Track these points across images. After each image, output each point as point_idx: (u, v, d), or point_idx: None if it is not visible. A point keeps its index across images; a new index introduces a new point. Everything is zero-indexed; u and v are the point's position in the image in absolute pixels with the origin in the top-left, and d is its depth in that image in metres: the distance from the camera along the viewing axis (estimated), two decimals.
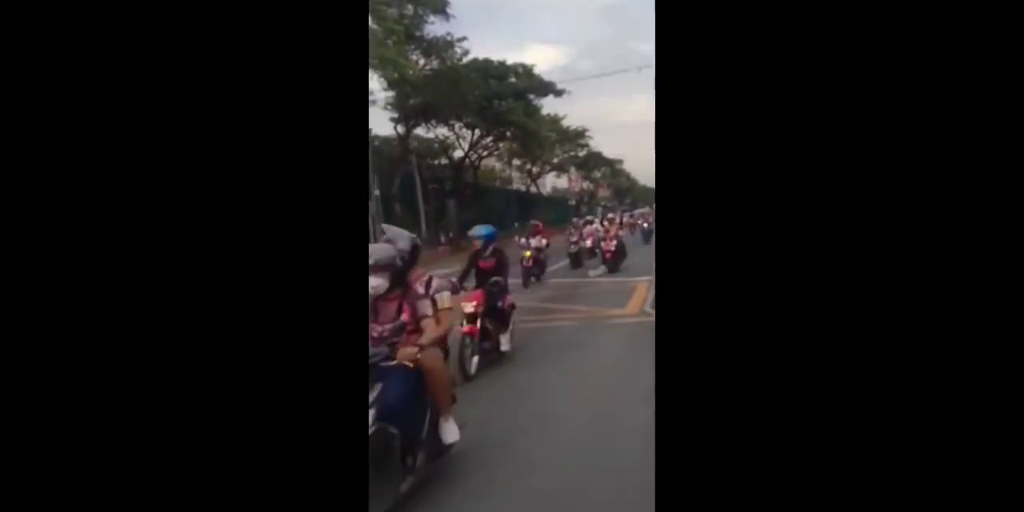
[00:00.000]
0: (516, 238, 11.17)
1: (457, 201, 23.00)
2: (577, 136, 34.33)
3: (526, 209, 28.00)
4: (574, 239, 12.69)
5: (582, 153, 37.58)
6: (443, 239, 19.85)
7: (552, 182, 43.66)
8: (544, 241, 10.74)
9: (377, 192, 16.69)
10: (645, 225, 20.03)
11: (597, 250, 12.35)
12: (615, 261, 11.35)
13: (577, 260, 12.32)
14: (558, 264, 12.06)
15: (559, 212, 34.23)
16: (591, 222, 15.51)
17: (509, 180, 34.33)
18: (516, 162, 33.29)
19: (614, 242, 11.46)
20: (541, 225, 11.55)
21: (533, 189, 36.60)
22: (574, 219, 14.17)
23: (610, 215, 14.93)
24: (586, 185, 46.09)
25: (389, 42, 15.87)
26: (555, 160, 36.33)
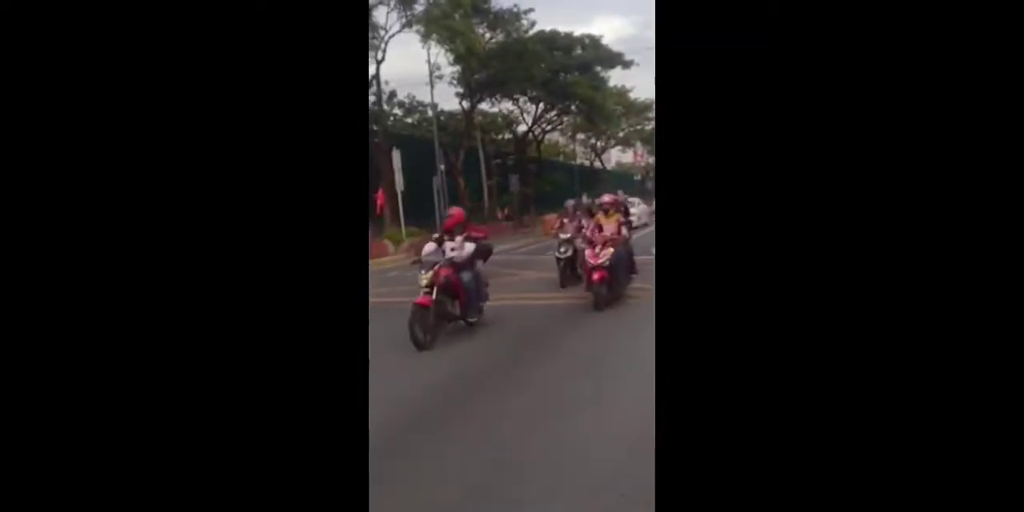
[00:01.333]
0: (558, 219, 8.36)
1: (520, 176, 22.96)
2: (644, 109, 33.33)
3: (590, 184, 27.64)
4: (565, 235, 7.64)
5: (648, 127, 36.56)
6: (500, 215, 19.88)
7: (616, 157, 42.83)
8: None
9: (442, 167, 16.91)
10: None
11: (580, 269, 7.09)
12: (605, 287, 5.89)
13: (567, 272, 7.49)
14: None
15: (624, 187, 33.58)
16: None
17: (573, 155, 33.92)
18: (580, 136, 32.79)
19: (607, 253, 5.94)
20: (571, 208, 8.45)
21: (597, 164, 36.04)
22: (568, 202, 9.06)
23: (602, 199, 7.00)
24: (652, 160, 44.97)
25: (456, 15, 15.82)
26: (620, 134, 35.55)
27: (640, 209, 16.94)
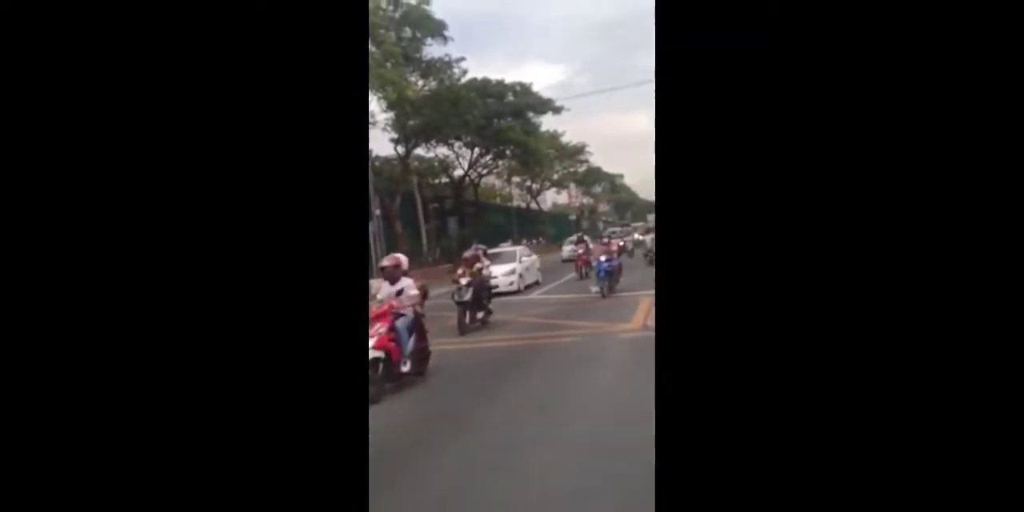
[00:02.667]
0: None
1: (458, 219, 23.08)
2: (576, 152, 34.61)
3: (526, 226, 28.08)
4: (465, 280, 7.88)
5: (582, 169, 37.85)
6: (431, 259, 19.36)
7: (552, 198, 43.85)
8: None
9: (378, 212, 16.78)
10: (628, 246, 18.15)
11: None
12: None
13: (464, 319, 7.67)
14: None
15: (560, 228, 34.31)
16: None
17: (509, 197, 34.51)
18: (516, 179, 33.50)
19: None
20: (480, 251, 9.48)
21: (534, 206, 36.75)
22: (467, 252, 9.08)
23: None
24: (586, 200, 46.29)
25: (388, 64, 16.09)
26: (555, 176, 36.58)
27: (526, 263, 13.32)
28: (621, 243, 12.96)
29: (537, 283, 13.29)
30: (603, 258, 10.10)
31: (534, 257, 14.49)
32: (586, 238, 15.82)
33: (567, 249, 19.21)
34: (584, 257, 13.01)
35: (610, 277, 10.01)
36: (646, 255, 15.75)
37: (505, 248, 14.44)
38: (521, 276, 12.42)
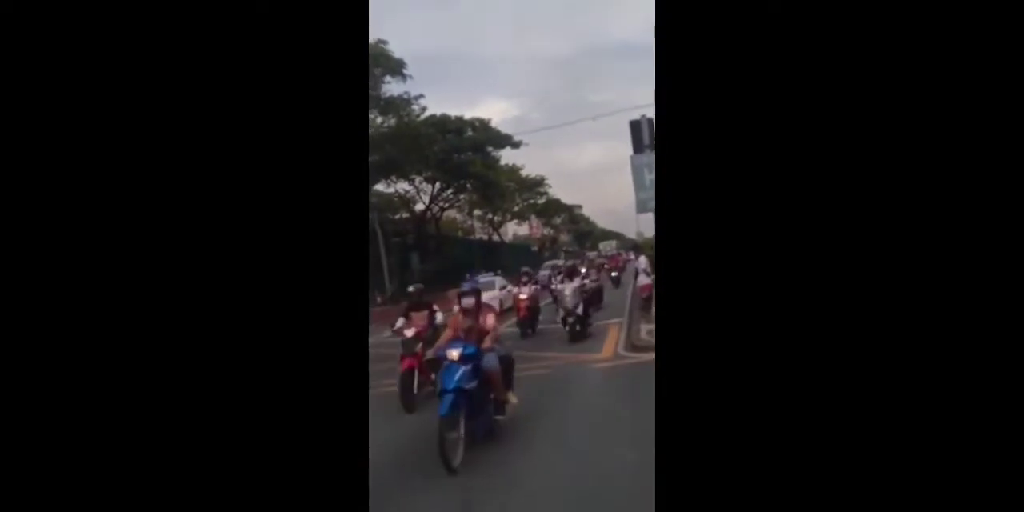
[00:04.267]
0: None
1: (420, 253, 22.97)
2: (536, 184, 35.13)
3: (489, 258, 28.13)
4: (410, 331, 5.29)
5: (541, 201, 38.36)
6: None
7: (514, 230, 44.14)
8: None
9: None
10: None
11: None
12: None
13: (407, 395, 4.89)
14: None
15: (522, 259, 34.46)
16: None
17: (471, 230, 34.61)
18: (477, 212, 33.69)
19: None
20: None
21: (496, 238, 36.91)
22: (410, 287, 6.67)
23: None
24: (547, 231, 46.77)
25: None
26: (515, 209, 36.97)
27: (503, 293, 12.60)
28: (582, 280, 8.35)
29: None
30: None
31: (508, 287, 14.63)
32: (530, 273, 10.19)
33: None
34: (526, 303, 8.83)
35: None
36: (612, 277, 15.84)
37: (485, 278, 14.71)
38: (501, 302, 12.77)
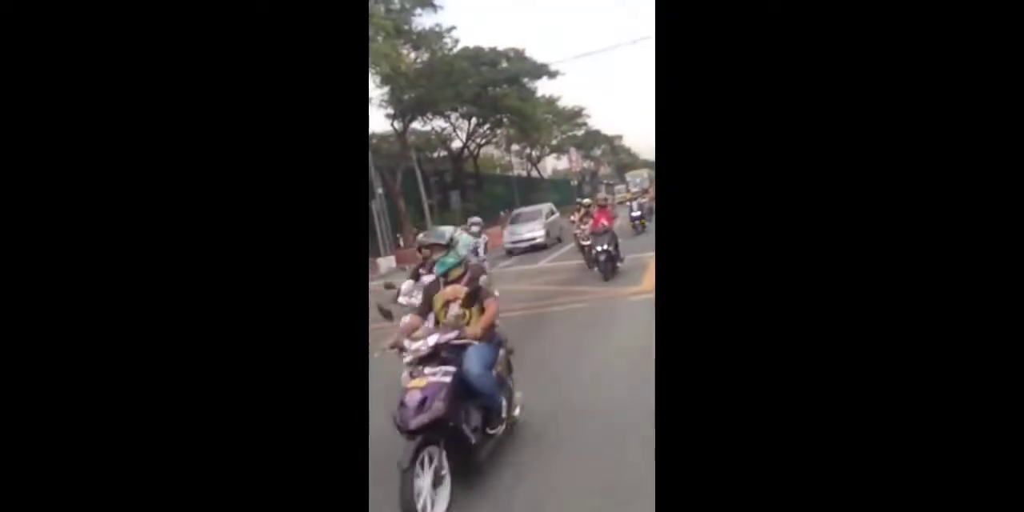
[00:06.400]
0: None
1: (460, 192, 23.01)
2: (574, 116, 34.04)
3: (528, 194, 27.98)
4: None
5: (580, 133, 37.29)
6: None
7: (552, 164, 43.44)
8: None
9: (380, 190, 16.75)
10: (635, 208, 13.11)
11: None
12: None
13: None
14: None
15: (562, 194, 34.11)
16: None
17: (510, 166, 34.22)
18: (515, 147, 33.13)
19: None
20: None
21: (534, 173, 36.48)
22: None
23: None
24: (587, 164, 45.81)
25: (379, 38, 15.81)
26: (554, 142, 36.12)
27: (551, 219, 13.51)
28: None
29: (559, 240, 14.20)
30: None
31: (557, 215, 15.75)
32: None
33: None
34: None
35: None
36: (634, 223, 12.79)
37: (531, 208, 15.62)
38: (547, 232, 13.85)
